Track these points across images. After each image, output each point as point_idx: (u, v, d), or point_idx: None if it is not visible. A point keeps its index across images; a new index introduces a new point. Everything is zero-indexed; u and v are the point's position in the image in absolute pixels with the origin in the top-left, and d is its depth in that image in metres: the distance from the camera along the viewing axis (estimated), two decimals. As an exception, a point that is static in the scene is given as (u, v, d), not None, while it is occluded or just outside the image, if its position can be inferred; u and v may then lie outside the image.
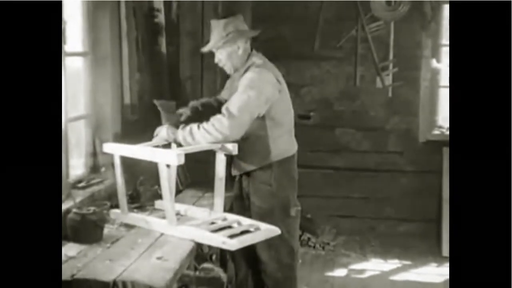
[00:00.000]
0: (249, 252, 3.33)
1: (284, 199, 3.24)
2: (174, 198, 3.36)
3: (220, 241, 2.70)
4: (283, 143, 3.25)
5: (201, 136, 2.95)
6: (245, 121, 3.01)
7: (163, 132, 3.07)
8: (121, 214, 2.97)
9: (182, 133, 3.00)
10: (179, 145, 3.03)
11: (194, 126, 2.99)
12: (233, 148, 3.00)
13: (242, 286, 3.56)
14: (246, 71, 3.16)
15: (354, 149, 5.35)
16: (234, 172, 3.34)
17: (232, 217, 3.01)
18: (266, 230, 2.90)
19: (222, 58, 3.22)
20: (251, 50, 3.25)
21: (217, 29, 3.17)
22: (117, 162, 2.89)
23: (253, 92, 3.01)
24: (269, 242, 3.15)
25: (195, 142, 2.96)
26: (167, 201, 2.79)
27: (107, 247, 2.58)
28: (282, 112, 3.22)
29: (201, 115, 3.04)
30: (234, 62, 3.21)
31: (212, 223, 2.88)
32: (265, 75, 3.11)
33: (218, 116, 2.98)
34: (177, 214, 3.05)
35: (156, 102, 3.29)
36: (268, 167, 3.20)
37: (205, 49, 3.26)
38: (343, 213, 5.38)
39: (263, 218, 3.10)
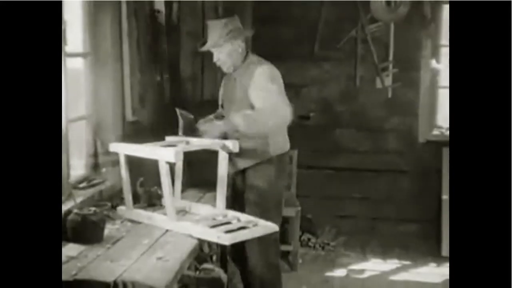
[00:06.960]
0: (237, 252, 3.37)
1: (279, 196, 3.31)
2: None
3: (215, 236, 2.74)
4: (280, 138, 3.31)
5: (264, 118, 3.07)
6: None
7: (214, 126, 3.18)
8: (126, 211, 3.04)
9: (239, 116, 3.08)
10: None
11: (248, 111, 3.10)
12: (233, 147, 3.03)
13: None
14: (248, 67, 3.22)
15: (354, 150, 5.35)
16: (231, 169, 3.36)
17: (232, 213, 3.06)
18: (264, 227, 2.93)
19: (221, 56, 3.27)
20: (247, 50, 3.32)
21: (217, 28, 3.21)
22: (122, 161, 2.96)
23: (278, 83, 3.21)
24: (260, 242, 3.19)
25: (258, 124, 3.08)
26: (166, 198, 2.83)
27: (107, 248, 2.58)
28: None
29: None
30: (234, 61, 3.27)
31: (213, 219, 2.93)
32: (275, 69, 3.26)
33: (279, 104, 3.10)
34: (182, 210, 3.14)
35: (178, 110, 3.32)
36: (269, 161, 3.26)
37: (204, 48, 3.29)
38: (343, 213, 5.38)
39: (258, 215, 3.09)
